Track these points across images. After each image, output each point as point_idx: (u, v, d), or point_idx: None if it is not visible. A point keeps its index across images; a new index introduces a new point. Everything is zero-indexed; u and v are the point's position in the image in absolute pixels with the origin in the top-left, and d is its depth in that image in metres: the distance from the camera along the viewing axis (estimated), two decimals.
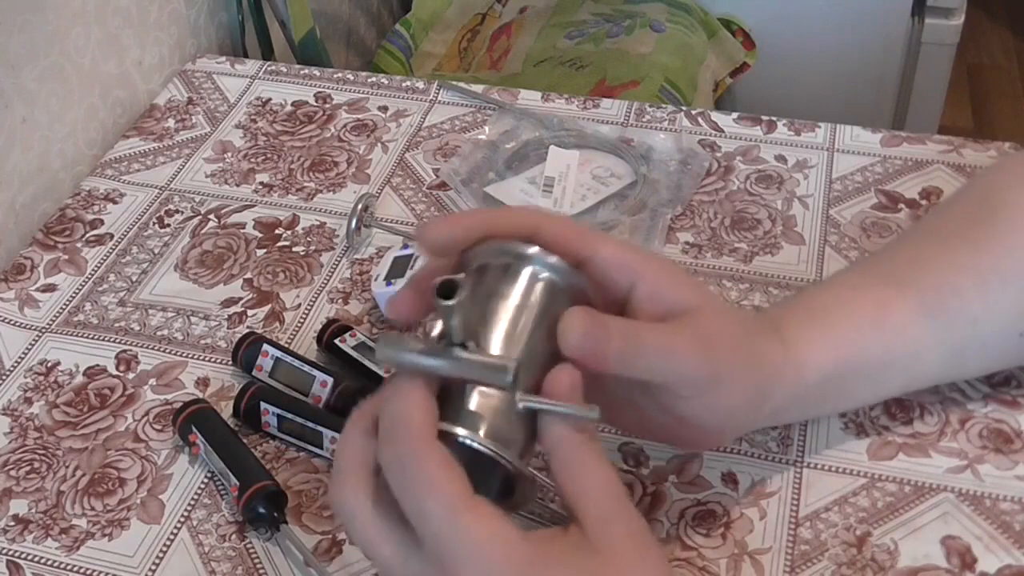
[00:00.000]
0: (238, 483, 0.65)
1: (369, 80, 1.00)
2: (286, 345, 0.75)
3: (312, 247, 0.84)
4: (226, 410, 0.71)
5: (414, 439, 0.48)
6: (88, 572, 0.65)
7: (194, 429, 0.68)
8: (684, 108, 0.94)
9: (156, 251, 0.84)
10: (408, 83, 0.99)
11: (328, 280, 0.81)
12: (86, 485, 0.69)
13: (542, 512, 0.62)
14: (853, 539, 0.62)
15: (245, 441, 0.69)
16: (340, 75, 1.01)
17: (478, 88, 0.97)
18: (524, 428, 0.50)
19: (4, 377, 0.76)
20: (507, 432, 0.50)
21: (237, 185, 0.90)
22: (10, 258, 0.86)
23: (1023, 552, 0.61)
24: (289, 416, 0.69)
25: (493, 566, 0.46)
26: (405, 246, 0.78)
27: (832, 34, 1.67)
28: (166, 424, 0.72)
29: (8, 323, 0.80)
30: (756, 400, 0.58)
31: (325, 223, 0.86)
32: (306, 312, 0.79)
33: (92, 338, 0.78)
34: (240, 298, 0.80)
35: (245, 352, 0.73)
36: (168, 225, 0.87)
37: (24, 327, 0.79)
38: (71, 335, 0.78)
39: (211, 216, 0.87)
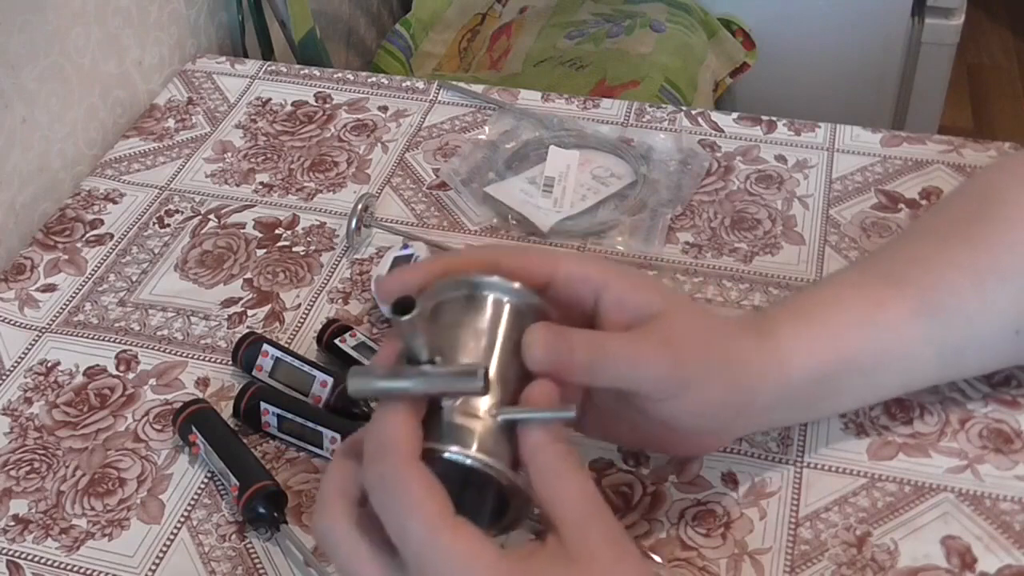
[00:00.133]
0: (238, 483, 0.65)
1: (369, 80, 1.00)
2: (286, 345, 0.75)
3: (312, 247, 0.84)
4: (226, 410, 0.71)
5: (396, 459, 0.48)
6: (88, 572, 0.65)
7: (194, 429, 0.68)
8: (684, 108, 0.94)
9: (156, 251, 0.84)
10: (408, 83, 0.99)
11: (328, 280, 0.81)
12: (86, 485, 0.69)
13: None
14: (853, 539, 0.62)
15: (245, 441, 0.69)
16: (340, 75, 1.01)
17: (478, 88, 0.97)
18: (508, 443, 0.51)
19: (4, 377, 0.76)
20: (493, 447, 0.50)
21: (237, 185, 0.90)
22: (10, 258, 0.86)
23: (1023, 552, 0.61)
24: (289, 416, 0.69)
25: None
26: (405, 246, 0.78)
27: (832, 34, 1.67)
28: (166, 424, 0.72)
29: (8, 323, 0.80)
30: (738, 400, 0.58)
31: (325, 223, 0.86)
32: (306, 312, 0.79)
33: (92, 338, 0.78)
34: (240, 298, 0.80)
35: (245, 352, 0.73)
36: (168, 225, 0.87)
37: (24, 327, 0.79)
38: (71, 335, 0.78)
39: (211, 216, 0.87)
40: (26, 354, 0.77)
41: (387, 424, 0.49)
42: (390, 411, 0.50)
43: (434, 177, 0.89)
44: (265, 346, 0.73)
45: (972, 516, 0.63)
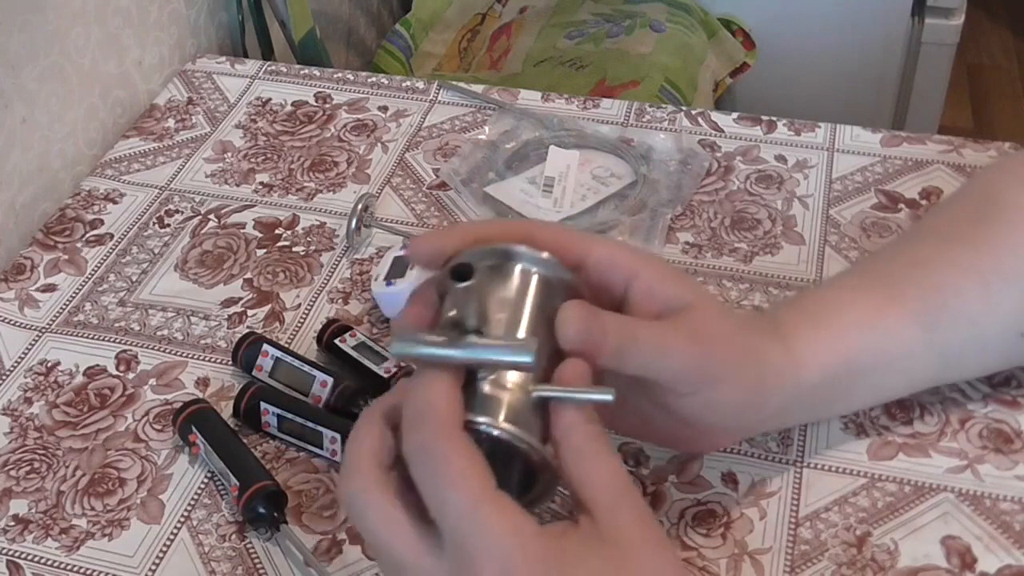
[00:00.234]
0: (238, 483, 0.65)
1: (369, 80, 1.00)
2: (286, 345, 0.75)
3: (312, 247, 0.84)
4: (226, 410, 0.71)
5: (440, 429, 0.47)
6: (88, 572, 0.65)
7: (194, 429, 0.68)
8: (684, 108, 0.94)
9: (156, 251, 0.84)
10: (408, 83, 0.99)
11: (328, 280, 0.81)
12: (86, 485, 0.69)
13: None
14: (853, 539, 0.62)
15: (245, 441, 0.69)
16: (340, 75, 1.01)
17: (478, 88, 0.97)
18: (539, 420, 0.50)
19: (4, 377, 0.76)
20: (524, 421, 0.49)
21: (237, 185, 0.90)
22: (10, 258, 0.86)
23: (1023, 552, 0.61)
24: (289, 416, 0.69)
25: (511, 560, 0.46)
26: (405, 246, 0.78)
27: (832, 34, 1.67)
28: (166, 424, 0.72)
29: (8, 323, 0.80)
30: (756, 400, 0.58)
31: (325, 223, 0.86)
32: (306, 312, 0.79)
33: (92, 338, 0.78)
34: (240, 298, 0.80)
35: (245, 352, 0.73)
36: (168, 225, 0.87)
37: (24, 327, 0.79)
38: (71, 335, 0.78)
39: (211, 216, 0.87)
40: (26, 354, 0.77)
41: (430, 391, 0.48)
42: (433, 378, 0.49)
43: (434, 177, 0.89)
44: (265, 346, 0.73)
45: (972, 516, 0.63)
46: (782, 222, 0.83)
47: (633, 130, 0.92)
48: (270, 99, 0.99)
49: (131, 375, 0.75)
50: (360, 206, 0.82)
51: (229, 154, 0.93)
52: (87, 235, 0.86)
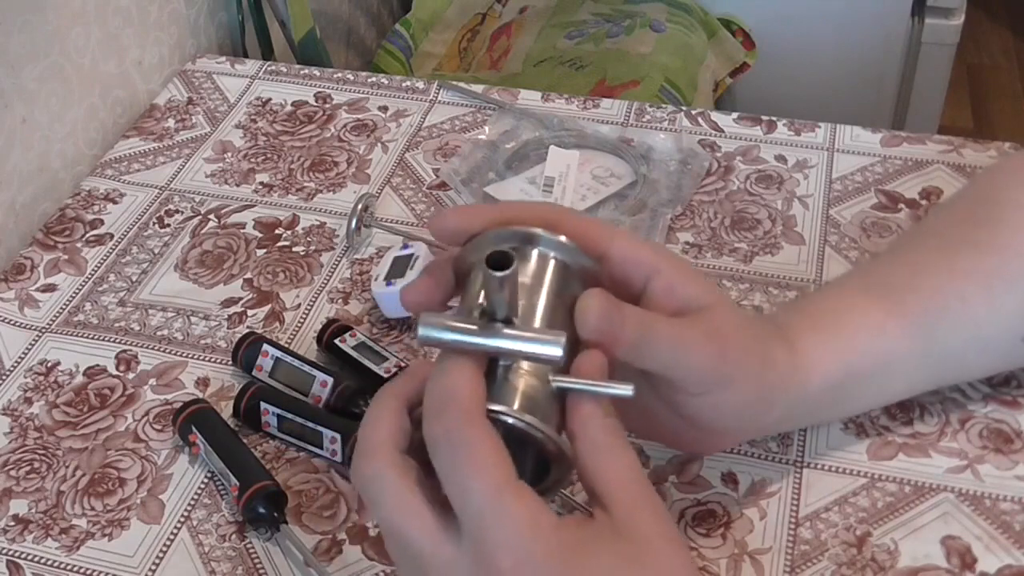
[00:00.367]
0: (238, 483, 0.65)
1: (369, 80, 1.00)
2: (286, 345, 0.75)
3: (312, 247, 0.84)
4: (226, 410, 0.71)
5: (465, 416, 0.47)
6: (88, 572, 0.65)
7: (194, 429, 0.68)
8: (684, 108, 0.94)
9: (156, 251, 0.84)
10: (408, 83, 0.99)
11: (328, 280, 0.81)
12: (86, 485, 0.69)
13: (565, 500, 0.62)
14: (853, 539, 0.62)
15: (245, 441, 0.69)
16: (340, 75, 1.01)
17: (478, 88, 0.97)
18: (555, 410, 0.49)
19: (4, 377, 0.76)
20: (542, 410, 0.49)
21: (237, 185, 0.90)
22: (10, 258, 0.86)
23: (1023, 552, 0.61)
24: (289, 416, 0.69)
25: (531, 551, 0.45)
26: (405, 246, 0.78)
27: (832, 34, 1.67)
28: (166, 424, 0.72)
29: (8, 323, 0.80)
30: (763, 404, 0.58)
31: (325, 223, 0.86)
32: (306, 312, 0.79)
33: (92, 338, 0.78)
34: (240, 298, 0.80)
35: (245, 352, 0.73)
36: (168, 225, 0.87)
37: (24, 327, 0.79)
38: (71, 335, 0.78)
39: (211, 216, 0.87)
40: (26, 354, 0.77)
41: (454, 378, 0.48)
42: (457, 364, 0.48)
43: (434, 177, 0.89)
44: (265, 346, 0.73)
45: (972, 516, 0.63)
46: (782, 222, 0.83)
47: (633, 130, 0.92)
48: (270, 99, 0.99)
49: (131, 375, 0.75)
50: (360, 206, 0.82)
51: (229, 154, 0.93)
52: (87, 235, 0.86)
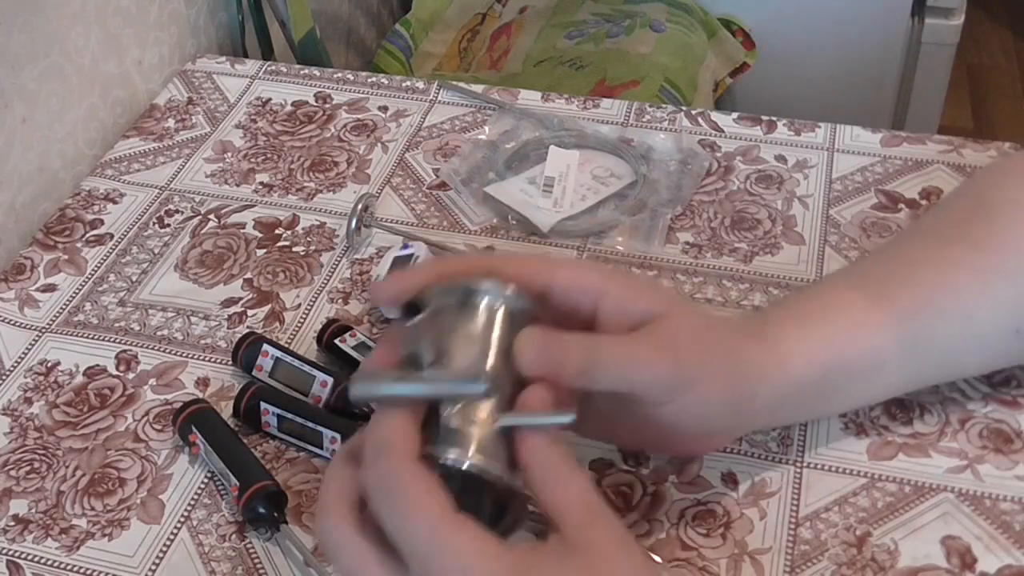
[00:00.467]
0: (238, 483, 0.65)
1: (369, 80, 1.00)
2: (286, 345, 0.75)
3: (312, 247, 0.84)
4: (226, 410, 0.71)
5: (395, 459, 0.48)
6: (88, 572, 0.65)
7: (194, 429, 0.68)
8: (684, 108, 0.94)
9: (156, 251, 0.84)
10: (408, 83, 0.99)
11: (328, 280, 0.81)
12: (86, 485, 0.69)
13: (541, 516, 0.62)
14: (853, 539, 0.62)
15: (245, 441, 0.69)
16: (340, 75, 1.01)
17: (478, 88, 0.97)
18: (505, 448, 0.51)
19: (4, 377, 0.76)
20: (490, 452, 0.50)
21: (237, 185, 0.90)
22: (10, 258, 0.86)
23: (1023, 552, 0.61)
24: (289, 416, 0.69)
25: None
26: (405, 246, 0.78)
27: (832, 34, 1.67)
28: (166, 424, 0.72)
29: (8, 323, 0.80)
30: (738, 401, 0.58)
31: (325, 223, 0.86)
32: (306, 312, 0.79)
33: (92, 338, 0.78)
34: (240, 298, 0.80)
35: (245, 352, 0.73)
36: (168, 225, 0.87)
37: (24, 327, 0.79)
38: (71, 335, 0.78)
39: (211, 216, 0.87)
40: (26, 354, 0.77)
41: (385, 426, 0.50)
42: (388, 414, 0.50)
43: (434, 177, 0.89)
44: (265, 346, 0.73)
45: (972, 516, 0.63)
46: (782, 222, 0.83)
47: (633, 130, 0.92)
48: (270, 99, 0.99)
49: (131, 375, 0.75)
50: (360, 206, 0.82)
51: (229, 154, 0.93)
52: (87, 235, 0.86)
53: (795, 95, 1.64)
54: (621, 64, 1.40)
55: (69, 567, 0.65)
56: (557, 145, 0.88)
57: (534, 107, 0.95)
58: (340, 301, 0.79)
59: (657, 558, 0.62)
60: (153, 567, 0.64)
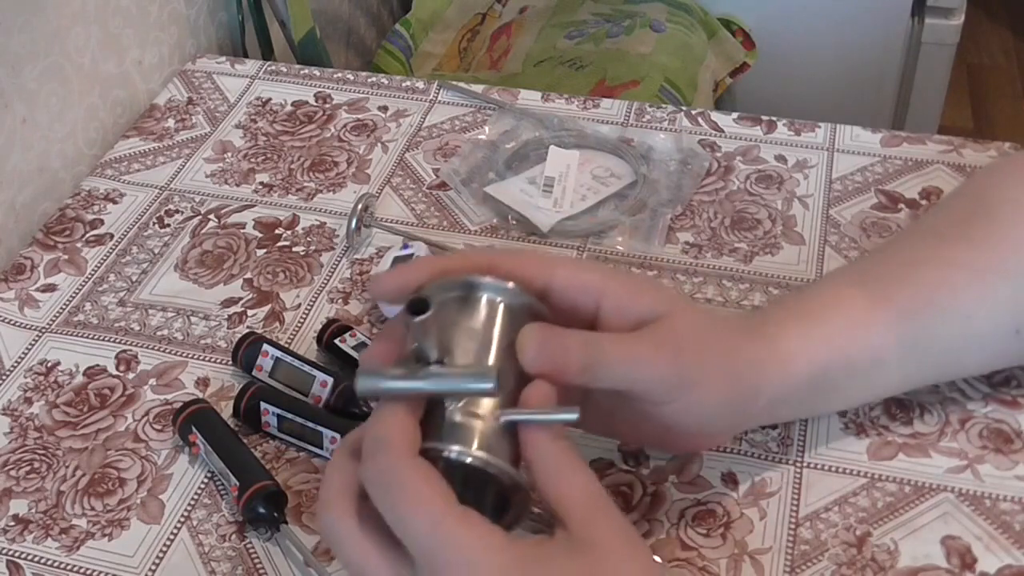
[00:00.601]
0: (238, 483, 0.65)
1: (369, 80, 1.00)
2: (286, 345, 0.75)
3: (312, 247, 0.84)
4: (226, 410, 0.71)
5: (394, 454, 0.48)
6: (88, 572, 0.65)
7: (194, 429, 0.68)
8: (684, 108, 0.94)
9: (156, 251, 0.84)
10: (408, 83, 0.99)
11: (328, 280, 0.81)
12: (86, 485, 0.69)
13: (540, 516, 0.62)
14: (853, 539, 0.62)
15: (245, 441, 0.69)
16: (340, 75, 1.01)
17: (478, 88, 0.97)
18: (509, 443, 0.51)
19: (4, 377, 0.76)
20: (494, 446, 0.50)
21: (237, 185, 0.90)
22: (10, 258, 0.86)
23: (1023, 552, 0.61)
24: (289, 416, 0.69)
25: (479, 570, 0.46)
26: (405, 246, 0.78)
27: (832, 34, 1.67)
28: (166, 424, 0.72)
29: (8, 323, 0.80)
30: (739, 399, 0.58)
31: (325, 223, 0.86)
32: (306, 312, 0.79)
33: (92, 338, 0.78)
34: (240, 298, 0.80)
35: (245, 352, 0.73)
36: (168, 225, 0.87)
37: (24, 327, 0.79)
38: (71, 335, 0.78)
39: (211, 216, 0.87)
40: (26, 354, 0.77)
41: (384, 422, 0.50)
42: (387, 410, 0.50)
43: (434, 177, 0.89)
44: (265, 346, 0.73)
45: (972, 516, 0.63)
46: (782, 222, 0.83)
47: (633, 130, 0.92)
48: (270, 99, 0.99)
49: (131, 375, 0.75)
50: (360, 206, 0.82)
51: (229, 154, 0.93)
52: (87, 235, 0.86)
53: (795, 95, 1.64)
54: (621, 64, 1.40)
55: (69, 567, 0.65)
56: (557, 145, 0.88)
57: (534, 107, 0.95)
58: (340, 301, 0.79)
59: (657, 558, 0.62)
60: (153, 567, 0.64)
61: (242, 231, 0.86)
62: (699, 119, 0.92)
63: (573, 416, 0.50)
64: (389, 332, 0.54)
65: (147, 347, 0.77)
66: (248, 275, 0.82)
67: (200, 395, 0.74)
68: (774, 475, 0.66)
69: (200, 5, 1.10)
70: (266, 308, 0.79)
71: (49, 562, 0.65)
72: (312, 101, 0.98)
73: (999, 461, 0.65)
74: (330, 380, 0.70)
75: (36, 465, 0.70)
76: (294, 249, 0.84)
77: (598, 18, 1.52)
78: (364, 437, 0.50)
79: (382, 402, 0.51)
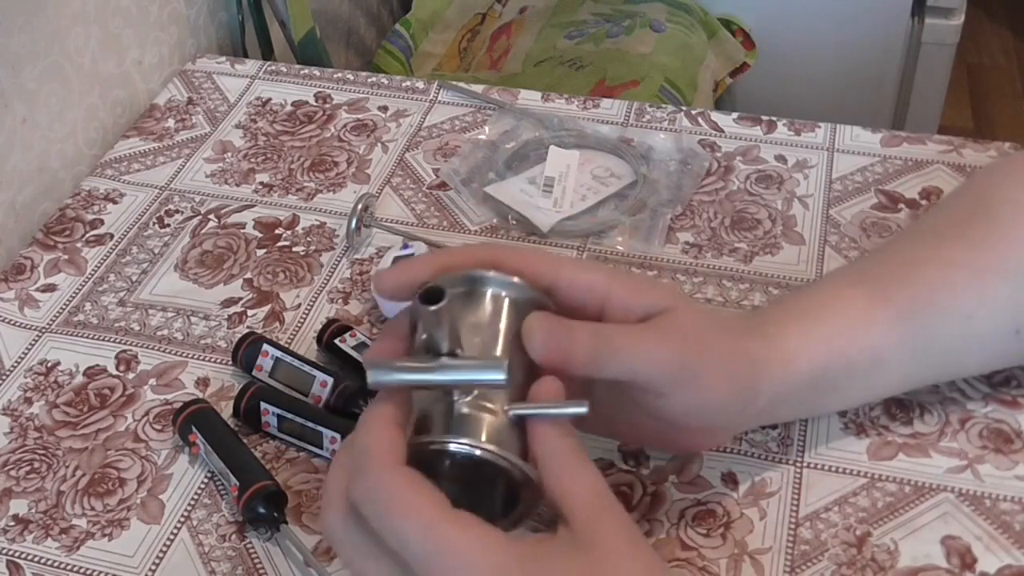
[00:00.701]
0: (238, 483, 0.65)
1: (369, 80, 1.00)
2: (286, 345, 0.75)
3: (312, 247, 0.84)
4: (226, 410, 0.71)
5: (380, 470, 0.48)
6: (88, 572, 0.65)
7: (194, 429, 0.68)
8: (684, 108, 0.94)
9: (156, 251, 0.84)
10: (408, 83, 0.99)
11: (328, 280, 0.81)
12: (86, 485, 0.69)
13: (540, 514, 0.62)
14: (853, 539, 0.62)
15: (245, 441, 0.69)
16: (340, 75, 1.01)
17: (478, 88, 0.97)
18: (517, 438, 0.51)
19: (4, 377, 0.76)
20: (503, 440, 0.50)
21: (237, 185, 0.90)
22: (10, 258, 0.86)
23: (1023, 552, 0.61)
24: (289, 416, 0.69)
25: (481, 569, 0.46)
26: (405, 246, 0.78)
27: (832, 34, 1.67)
28: (166, 424, 0.72)
29: (8, 323, 0.80)
30: (742, 396, 0.58)
31: (325, 223, 0.86)
32: (306, 312, 0.79)
33: (92, 338, 0.78)
34: (240, 298, 0.80)
35: (245, 352, 0.73)
36: (168, 225, 0.87)
37: (24, 327, 0.79)
38: (71, 335, 0.78)
39: (211, 216, 0.87)
40: (26, 354, 0.77)
41: (366, 436, 0.49)
42: (371, 418, 0.50)
43: (434, 177, 0.89)
44: (265, 346, 0.73)
45: (972, 516, 0.63)
46: (782, 222, 0.83)
47: (633, 130, 0.92)
48: (270, 99, 0.99)
49: (131, 375, 0.75)
50: (360, 206, 0.82)
51: (229, 154, 0.93)
52: (87, 235, 0.86)
53: (795, 95, 1.64)
54: (621, 64, 1.40)
55: (69, 567, 0.65)
56: (557, 145, 0.88)
57: (534, 107, 0.95)
58: (340, 301, 0.79)
59: None
60: (153, 567, 0.64)
61: (242, 231, 0.86)
62: (699, 119, 0.92)
63: (582, 410, 0.50)
64: (392, 329, 0.54)
65: (147, 347, 0.77)
66: (248, 275, 0.82)
67: (200, 395, 0.74)
68: (774, 475, 0.66)
69: (200, 5, 1.10)
70: (266, 308, 0.79)
71: (49, 562, 0.65)
72: (312, 101, 0.98)
73: (999, 461, 0.65)
74: (330, 380, 0.70)
75: (36, 465, 0.70)
76: (294, 249, 0.84)
77: (598, 18, 1.52)
78: (353, 453, 0.50)
79: (365, 412, 0.51)
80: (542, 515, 0.53)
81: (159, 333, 0.78)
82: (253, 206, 0.88)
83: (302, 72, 1.02)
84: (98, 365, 0.76)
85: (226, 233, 0.85)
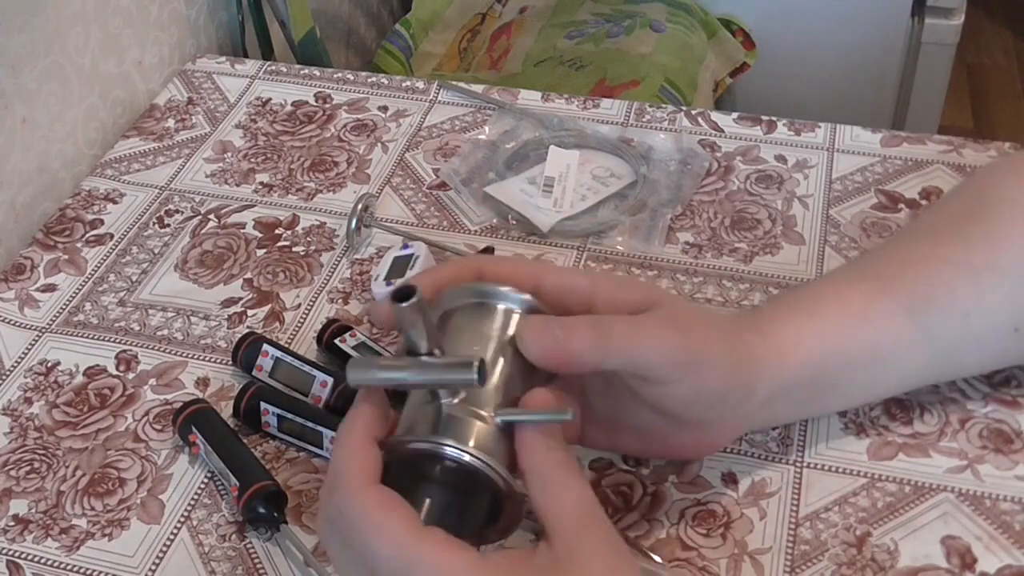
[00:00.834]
0: (238, 483, 0.65)
1: (369, 80, 1.00)
2: (286, 345, 0.75)
3: (312, 247, 0.84)
4: (226, 410, 0.71)
5: (348, 491, 0.48)
6: (88, 572, 0.65)
7: (194, 429, 0.68)
8: (684, 108, 0.94)
9: (156, 251, 0.84)
10: (408, 83, 0.99)
11: (328, 280, 0.81)
12: (86, 485, 0.69)
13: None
14: (853, 539, 0.62)
15: (245, 441, 0.69)
16: (340, 75, 1.01)
17: (478, 88, 0.97)
18: (506, 448, 0.51)
19: (4, 377, 0.76)
20: (490, 447, 0.50)
21: (237, 185, 0.90)
22: (10, 258, 0.86)
23: (1023, 552, 0.61)
24: (289, 416, 0.69)
25: None
26: (405, 246, 0.78)
27: (832, 34, 1.67)
28: (166, 424, 0.72)
29: (8, 323, 0.80)
30: (741, 390, 0.58)
31: (325, 223, 0.86)
32: (306, 312, 0.79)
33: (92, 338, 0.78)
34: (240, 298, 0.80)
35: (245, 352, 0.73)
36: (168, 225, 0.87)
37: (24, 327, 0.79)
38: (71, 335, 0.78)
39: (211, 216, 0.87)
40: (26, 354, 0.77)
41: (337, 458, 0.50)
42: (341, 439, 0.50)
43: (434, 177, 0.89)
44: (265, 346, 0.73)
45: (972, 516, 0.63)
46: (782, 222, 0.83)
47: (633, 130, 0.92)
48: (270, 99, 0.99)
49: (131, 375, 0.75)
50: (360, 206, 0.82)
51: (229, 154, 0.93)
52: (87, 235, 0.86)
53: (795, 95, 1.64)
54: (621, 64, 1.40)
55: (69, 567, 0.65)
56: (557, 145, 0.88)
57: (534, 107, 0.95)
58: (340, 301, 0.79)
59: (657, 558, 0.62)
60: (153, 567, 0.64)
61: (242, 231, 0.86)
62: (699, 119, 0.92)
63: (567, 416, 0.50)
64: (370, 393, 0.54)
65: (147, 347, 0.77)
66: (248, 275, 0.82)
67: (200, 395, 0.74)
68: (774, 475, 0.66)
69: (200, 5, 1.10)
70: (266, 308, 0.79)
71: (49, 562, 0.65)
72: (312, 101, 0.98)
73: (999, 461, 0.65)
74: (330, 380, 0.70)
75: (36, 465, 0.70)
76: (294, 249, 0.84)
77: (598, 18, 1.52)
78: (327, 473, 0.50)
79: (343, 422, 0.51)
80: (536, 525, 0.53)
81: (159, 333, 0.78)
82: (253, 206, 0.88)
83: (302, 72, 1.02)
84: (98, 365, 0.76)
85: (226, 233, 0.85)
